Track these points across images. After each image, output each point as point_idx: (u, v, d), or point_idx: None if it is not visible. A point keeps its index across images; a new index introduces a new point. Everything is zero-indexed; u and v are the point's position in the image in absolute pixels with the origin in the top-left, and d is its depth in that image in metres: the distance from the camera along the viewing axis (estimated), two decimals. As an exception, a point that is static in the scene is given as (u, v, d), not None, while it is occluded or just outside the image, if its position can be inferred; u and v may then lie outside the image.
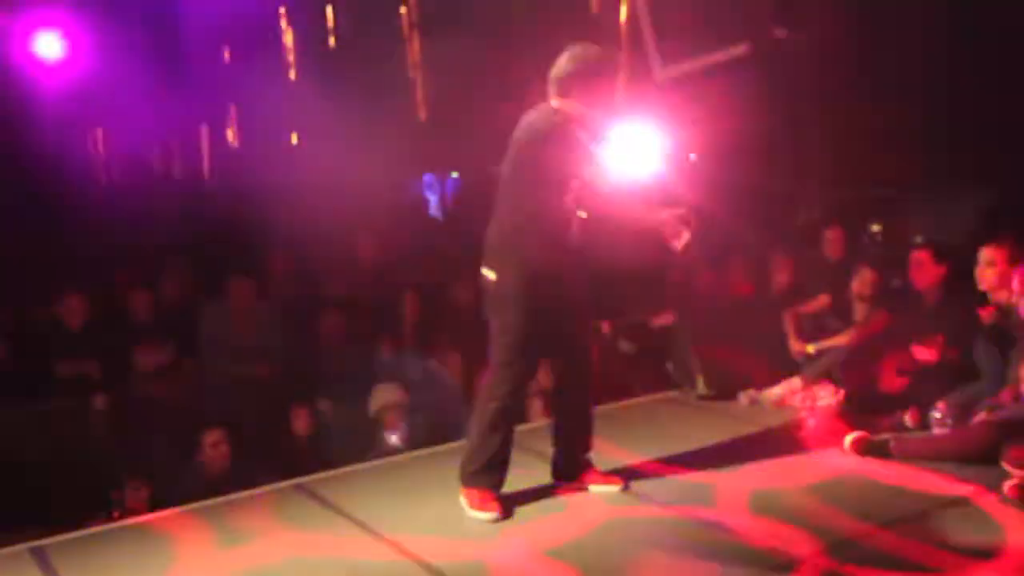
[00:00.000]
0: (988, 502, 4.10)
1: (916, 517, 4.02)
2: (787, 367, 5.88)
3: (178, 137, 10.89)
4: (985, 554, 3.66)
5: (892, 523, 3.94)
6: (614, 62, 4.16)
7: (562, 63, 4.05)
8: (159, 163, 10.85)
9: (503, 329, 4.08)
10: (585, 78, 4.00)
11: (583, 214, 4.07)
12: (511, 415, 4.16)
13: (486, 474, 4.15)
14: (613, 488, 4.34)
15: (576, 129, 3.97)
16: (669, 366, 6.24)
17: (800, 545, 3.79)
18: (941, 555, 3.65)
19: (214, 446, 5.36)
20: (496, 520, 4.05)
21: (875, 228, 6.43)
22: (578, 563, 3.71)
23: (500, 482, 4.18)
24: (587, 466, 4.40)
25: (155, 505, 5.04)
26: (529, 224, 4.03)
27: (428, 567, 3.81)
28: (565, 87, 4.02)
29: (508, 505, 4.13)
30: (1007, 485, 4.12)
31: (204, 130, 11.12)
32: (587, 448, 4.41)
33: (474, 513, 4.10)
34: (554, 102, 4.07)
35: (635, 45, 7.43)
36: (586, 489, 4.35)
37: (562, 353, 4.31)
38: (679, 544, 3.88)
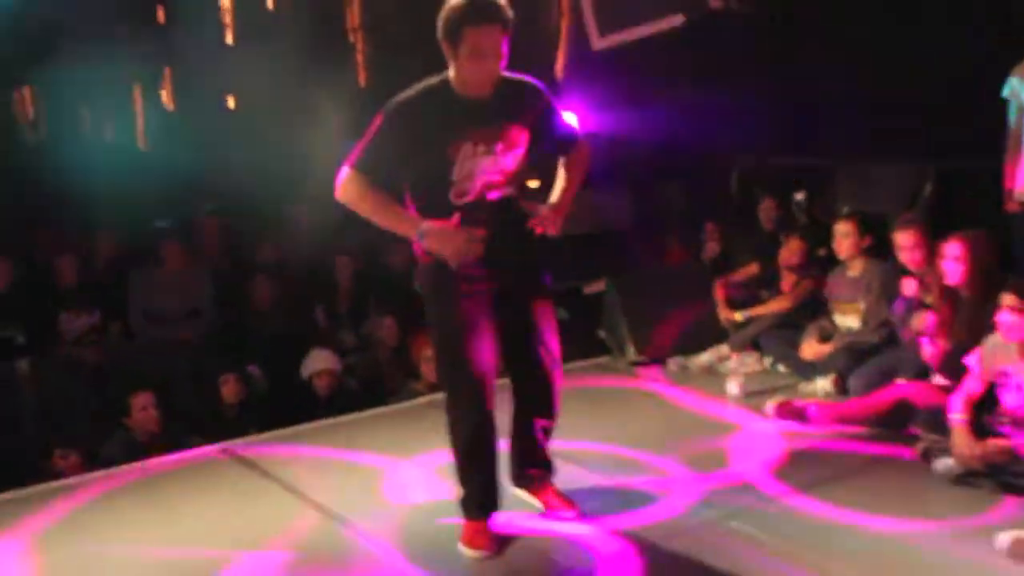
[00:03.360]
0: (899, 464, 4.21)
1: (832, 479, 4.11)
2: (716, 334, 5.96)
3: (112, 98, 10.65)
4: (896, 514, 3.76)
5: (809, 485, 4.03)
6: (480, 6, 3.21)
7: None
8: (91, 124, 10.61)
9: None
10: (446, 32, 3.25)
11: (534, 184, 3.76)
12: (474, 422, 3.50)
13: (473, 505, 3.58)
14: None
15: (426, 99, 3.31)
16: (601, 332, 6.29)
17: (717, 504, 3.87)
18: (855, 515, 3.74)
19: (143, 410, 5.27)
20: (483, 559, 3.49)
21: (799, 197, 6.51)
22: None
23: (490, 508, 3.59)
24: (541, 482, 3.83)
25: (84, 469, 4.99)
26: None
27: (354, 528, 3.82)
28: (442, 48, 3.32)
29: (500, 541, 3.58)
30: (918, 447, 4.23)
31: (138, 91, 10.89)
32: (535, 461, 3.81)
33: (463, 548, 3.54)
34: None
35: (575, 14, 7.43)
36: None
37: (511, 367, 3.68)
38: (605, 503, 3.91)
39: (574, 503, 3.78)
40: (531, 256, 3.59)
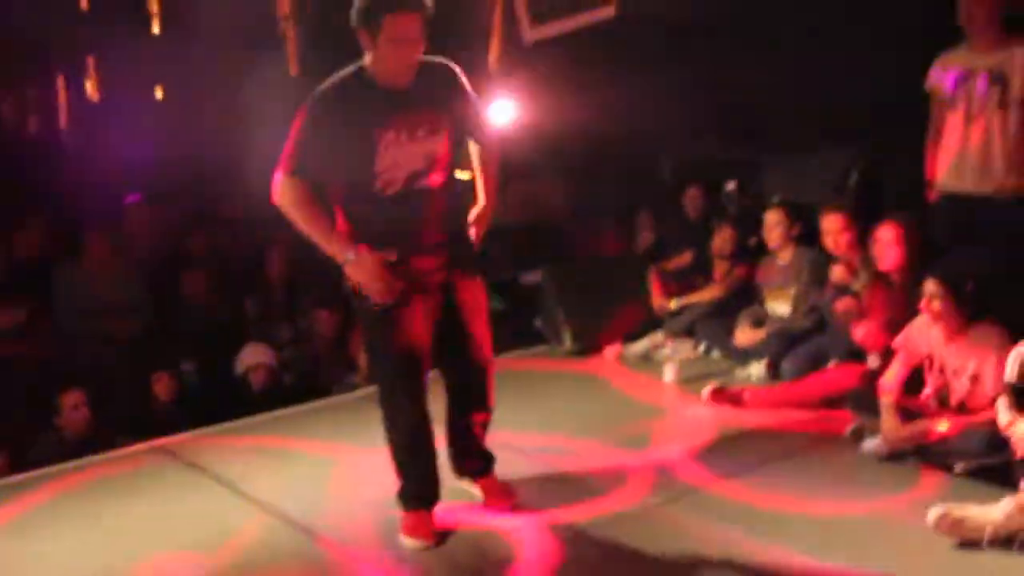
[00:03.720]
0: (831, 445, 4.31)
1: (766, 461, 4.19)
2: (650, 322, 6.02)
3: (33, 89, 10.37)
4: (827, 492, 3.84)
5: (745, 469, 4.10)
6: None
7: None
8: (12, 115, 10.31)
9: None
10: (362, 19, 3.19)
11: (465, 176, 3.58)
12: (407, 415, 3.51)
13: (412, 496, 3.58)
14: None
15: (344, 90, 3.26)
16: (538, 322, 6.31)
17: (654, 491, 3.92)
18: (788, 498, 3.81)
19: (74, 408, 5.15)
20: (424, 549, 3.50)
21: (730, 187, 6.60)
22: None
23: (430, 499, 3.61)
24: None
25: (12, 470, 4.86)
26: (332, 207, 3.40)
27: (295, 524, 3.80)
28: (356, 32, 3.25)
29: (440, 532, 3.59)
30: (848, 428, 4.34)
31: (61, 82, 10.61)
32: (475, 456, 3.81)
33: (404, 539, 3.54)
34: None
35: (506, 6, 7.41)
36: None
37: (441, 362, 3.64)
38: (542, 492, 3.94)
39: (513, 494, 3.80)
40: (463, 248, 3.54)
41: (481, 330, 3.59)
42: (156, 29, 10.48)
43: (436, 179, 3.38)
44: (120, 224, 7.04)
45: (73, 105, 10.45)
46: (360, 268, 3.27)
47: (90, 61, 10.60)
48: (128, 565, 3.56)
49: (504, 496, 3.78)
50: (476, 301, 3.57)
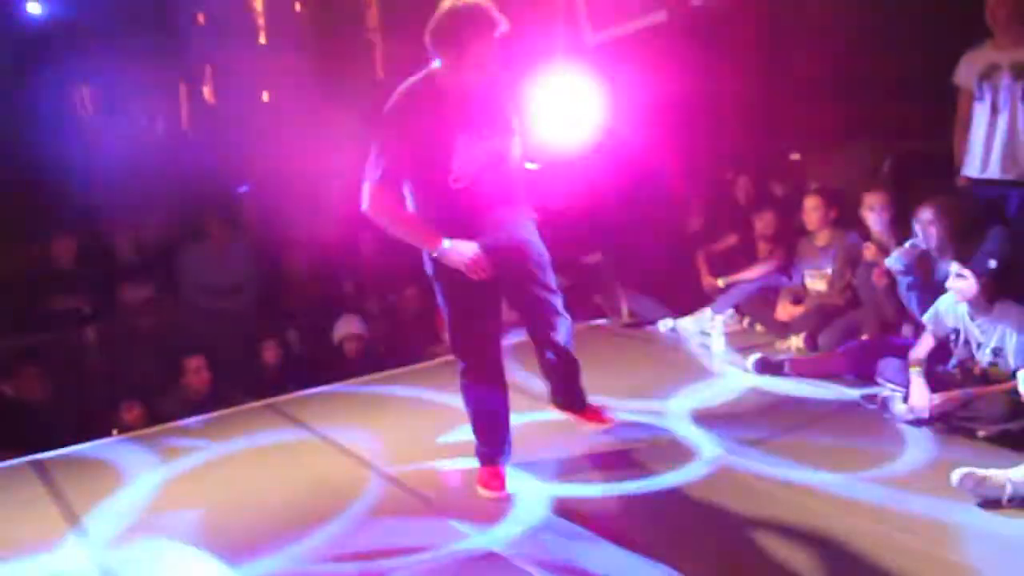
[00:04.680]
0: (863, 411, 4.24)
1: (806, 424, 4.15)
2: (700, 298, 5.96)
3: (160, 93, 10.62)
4: (860, 454, 3.79)
5: (788, 430, 4.07)
6: (472, 9, 3.15)
7: (431, 21, 3.24)
8: (142, 117, 10.58)
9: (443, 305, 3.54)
10: (441, 33, 3.18)
11: (533, 166, 3.60)
12: (484, 385, 3.55)
13: (487, 453, 3.62)
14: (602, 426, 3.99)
15: (420, 95, 3.23)
16: (598, 298, 6.29)
17: (708, 447, 3.90)
18: (823, 459, 3.77)
19: (196, 371, 5.32)
20: (496, 499, 3.51)
21: (795, 156, 6.46)
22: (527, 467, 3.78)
23: (503, 456, 3.63)
24: (581, 404, 3.96)
25: (146, 423, 5.03)
26: (411, 201, 3.38)
27: (383, 473, 3.87)
28: (432, 46, 3.23)
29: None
30: (879, 396, 4.26)
31: (183, 87, 10.85)
32: (570, 390, 3.91)
33: (480, 490, 3.57)
34: (434, 64, 3.30)
35: (569, 12, 7.36)
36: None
37: (520, 311, 3.68)
38: (613, 446, 3.97)
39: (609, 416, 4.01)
40: (522, 222, 3.52)
41: (549, 290, 3.58)
42: (263, 40, 10.67)
43: (504, 169, 3.38)
44: (235, 211, 7.20)
45: (193, 108, 10.70)
46: (457, 253, 3.27)
47: (207, 69, 10.83)
48: (246, 500, 3.68)
49: (601, 413, 4.00)
50: (541, 267, 3.55)
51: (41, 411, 5.16)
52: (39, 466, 4.19)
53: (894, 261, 4.56)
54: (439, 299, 3.52)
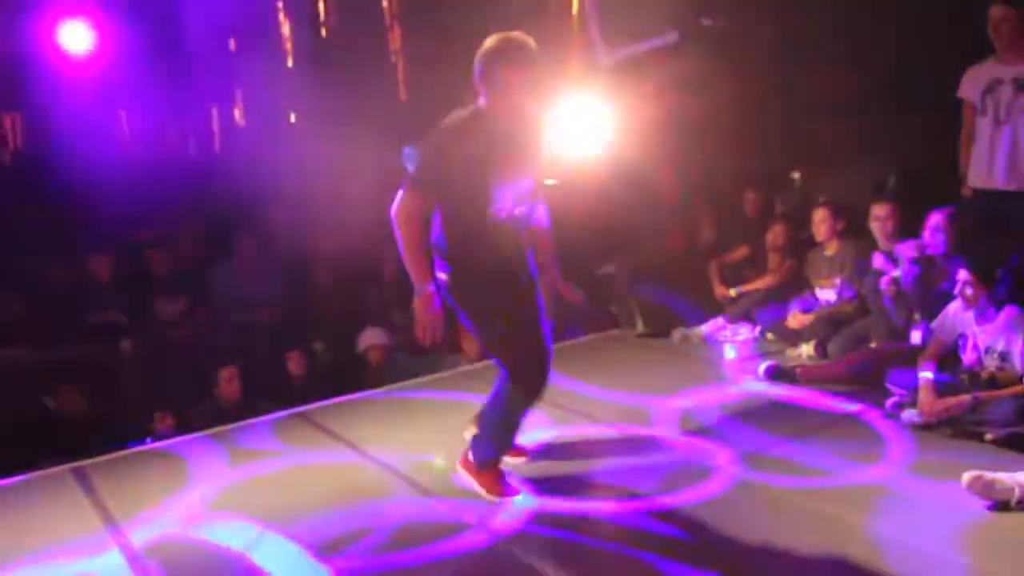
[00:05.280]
0: (872, 416, 4.20)
1: (815, 429, 4.11)
2: (712, 308, 5.94)
3: (192, 116, 10.74)
4: (870, 459, 3.76)
5: (796, 437, 4.03)
6: (517, 48, 3.17)
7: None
8: (176, 139, 10.71)
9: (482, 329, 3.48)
10: (486, 71, 3.20)
11: (552, 181, 3.58)
12: (533, 397, 3.49)
13: (496, 458, 3.61)
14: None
15: (468, 128, 3.23)
16: (613, 308, 6.28)
17: (718, 455, 3.87)
18: (833, 462, 3.74)
19: (228, 381, 5.34)
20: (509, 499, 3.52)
21: (796, 175, 6.45)
22: (532, 473, 3.77)
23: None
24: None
25: (179, 431, 5.06)
26: (445, 228, 3.35)
27: (405, 478, 3.87)
28: (477, 83, 3.27)
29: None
30: (889, 401, 4.22)
31: (215, 110, 10.97)
32: None
33: (488, 495, 3.55)
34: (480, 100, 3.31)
35: (584, 33, 7.37)
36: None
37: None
38: (618, 456, 3.94)
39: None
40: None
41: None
42: (290, 63, 10.76)
43: (529, 203, 3.39)
44: (263, 228, 7.25)
45: (224, 129, 10.80)
46: (428, 304, 3.25)
47: (238, 92, 10.94)
48: (275, 505, 3.68)
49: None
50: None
51: (80, 423, 5.19)
52: (79, 472, 4.22)
53: (906, 249, 4.53)
54: (484, 315, 3.41)
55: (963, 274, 3.96)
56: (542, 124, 3.41)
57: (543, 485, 3.65)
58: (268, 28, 10.35)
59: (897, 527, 3.17)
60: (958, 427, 3.88)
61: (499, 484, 3.56)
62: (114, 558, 3.37)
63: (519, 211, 3.36)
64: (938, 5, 5.22)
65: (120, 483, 4.07)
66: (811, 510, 3.34)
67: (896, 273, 4.74)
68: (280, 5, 10.62)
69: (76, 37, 8.74)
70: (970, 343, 4.05)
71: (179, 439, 4.72)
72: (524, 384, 3.43)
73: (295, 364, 5.78)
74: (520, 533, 3.30)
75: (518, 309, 3.38)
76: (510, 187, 3.28)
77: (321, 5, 10.50)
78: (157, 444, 4.71)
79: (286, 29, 10.69)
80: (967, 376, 4.05)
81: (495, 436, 3.59)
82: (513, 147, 3.26)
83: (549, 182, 3.63)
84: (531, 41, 3.20)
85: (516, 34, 3.20)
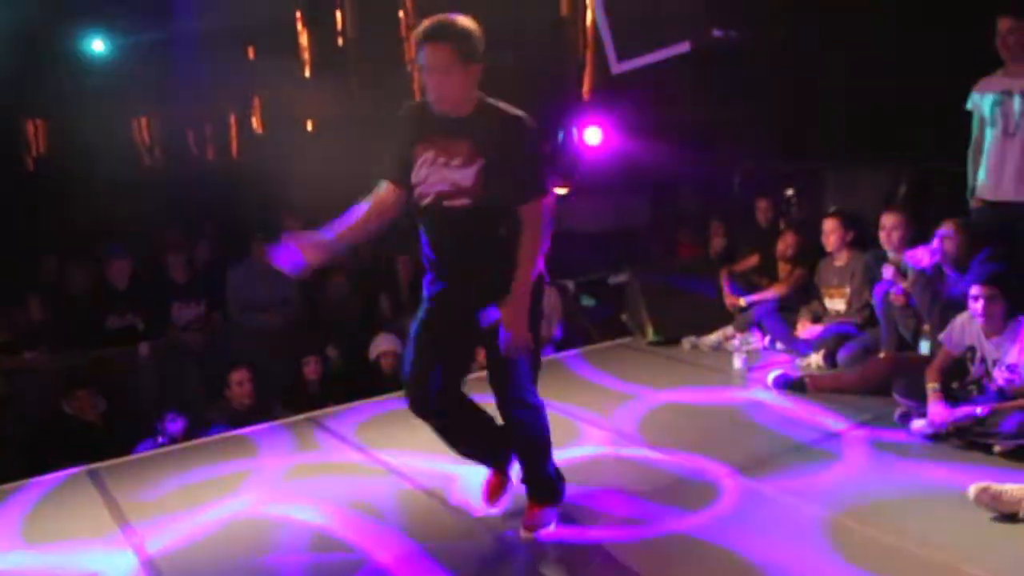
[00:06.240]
0: (880, 428, 4.17)
1: (822, 441, 4.08)
2: (722, 317, 5.92)
3: (210, 124, 10.83)
4: (880, 467, 3.74)
5: (802, 446, 4.01)
6: (429, 28, 2.97)
7: None
8: (194, 146, 10.80)
9: None
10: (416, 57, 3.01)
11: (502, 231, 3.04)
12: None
13: (559, 487, 3.39)
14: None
15: (409, 114, 3.12)
16: (624, 317, 6.27)
17: (720, 464, 3.84)
18: (842, 472, 3.73)
19: (239, 384, 5.36)
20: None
21: (789, 193, 6.43)
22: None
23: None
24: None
25: (192, 434, 5.10)
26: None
27: (415, 483, 3.88)
28: None
29: None
30: (897, 412, 4.20)
31: (233, 118, 11.06)
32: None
33: (548, 527, 3.31)
34: None
35: (597, 44, 7.39)
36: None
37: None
38: (625, 463, 3.94)
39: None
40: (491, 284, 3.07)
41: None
42: (307, 73, 10.82)
43: (464, 202, 3.02)
44: (279, 234, 7.27)
45: (242, 137, 10.88)
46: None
47: (256, 100, 11.02)
48: (286, 512, 3.71)
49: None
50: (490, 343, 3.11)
51: (95, 427, 5.24)
52: (94, 474, 4.25)
53: (920, 256, 4.49)
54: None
55: (975, 288, 3.93)
56: (500, 131, 3.01)
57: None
58: (287, 38, 10.41)
59: (903, 537, 3.14)
60: (966, 439, 3.85)
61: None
62: (127, 560, 3.40)
63: (450, 205, 3.02)
64: (948, 16, 5.20)
65: (134, 484, 4.10)
66: (818, 520, 3.31)
67: (904, 284, 4.72)
68: (298, 14, 10.69)
69: (97, 45, 8.87)
70: (979, 355, 4.02)
71: (192, 441, 4.76)
72: (538, 400, 3.23)
73: (311, 369, 5.80)
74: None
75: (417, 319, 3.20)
76: (432, 177, 3.03)
77: (338, 14, 10.57)
78: (171, 446, 4.75)
79: (304, 38, 10.76)
80: (976, 388, 4.02)
81: (545, 459, 3.34)
82: (441, 133, 3.02)
83: (560, 191, 3.58)
84: (454, 22, 2.96)
85: (446, 16, 2.98)
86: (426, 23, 2.97)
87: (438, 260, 3.13)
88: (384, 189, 3.17)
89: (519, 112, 3.06)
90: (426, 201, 3.06)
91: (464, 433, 3.37)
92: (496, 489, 3.52)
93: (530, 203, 3.02)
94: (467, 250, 3.08)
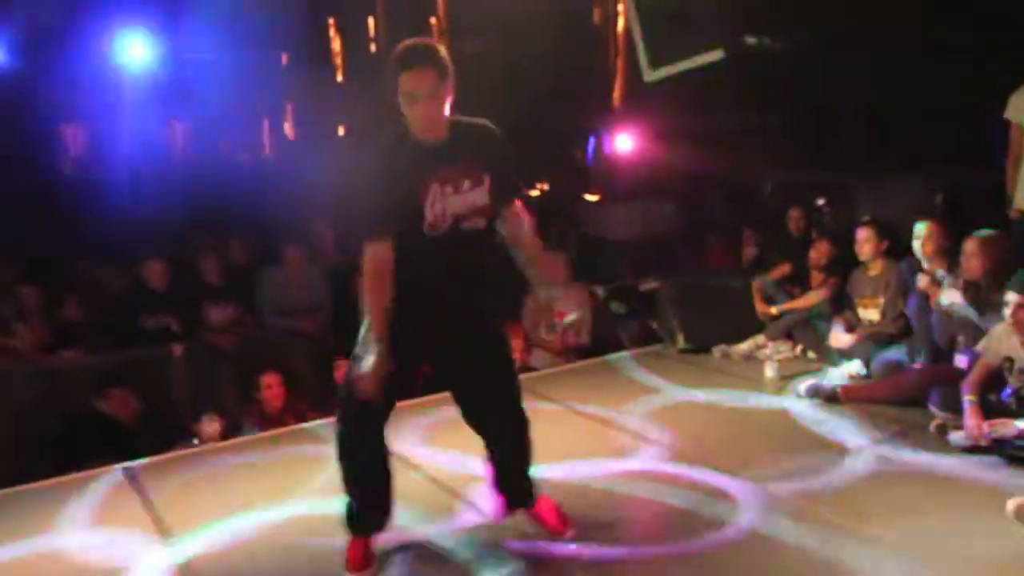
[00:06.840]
0: (915, 438, 4.11)
1: (857, 452, 4.03)
2: (754, 326, 5.87)
3: (244, 129, 10.95)
4: (917, 480, 3.69)
5: (833, 459, 3.96)
6: (409, 53, 2.82)
7: None
8: (228, 150, 10.91)
9: None
10: (391, 88, 2.84)
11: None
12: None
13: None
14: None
15: (392, 152, 2.91)
16: (654, 324, 6.24)
17: (750, 475, 3.81)
18: (877, 486, 3.67)
19: (270, 387, 5.39)
20: None
21: (821, 202, 6.36)
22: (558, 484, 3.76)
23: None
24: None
25: (225, 434, 5.14)
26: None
27: (441, 484, 3.91)
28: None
29: None
30: (933, 424, 4.14)
31: (266, 122, 11.17)
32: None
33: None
34: None
35: (630, 51, 7.38)
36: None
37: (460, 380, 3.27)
38: (653, 473, 3.91)
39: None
40: (482, 294, 3.10)
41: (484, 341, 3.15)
42: (340, 78, 10.91)
43: (479, 221, 2.98)
44: (310, 238, 7.33)
45: (275, 142, 10.99)
46: (373, 359, 2.89)
47: (288, 106, 11.13)
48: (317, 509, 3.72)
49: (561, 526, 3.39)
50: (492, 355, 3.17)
51: (130, 426, 5.30)
52: (129, 472, 4.30)
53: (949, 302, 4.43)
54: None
55: (1012, 297, 3.87)
56: (481, 141, 2.98)
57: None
58: (320, 44, 10.51)
59: (944, 552, 3.10)
60: (1004, 451, 3.78)
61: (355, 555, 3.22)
62: (159, 556, 3.43)
63: (467, 226, 2.96)
64: (985, 25, 5.14)
65: (168, 482, 4.14)
66: (856, 531, 3.27)
67: (940, 295, 4.65)
68: (331, 21, 10.79)
69: (133, 51, 8.99)
70: (1016, 366, 3.95)
71: (225, 442, 4.80)
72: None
73: (341, 372, 5.79)
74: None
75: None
76: (448, 206, 2.91)
77: (371, 21, 10.65)
78: (205, 446, 4.79)
79: (337, 44, 10.86)
80: (1014, 400, 3.95)
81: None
82: (441, 162, 2.89)
83: (590, 198, 3.56)
84: (432, 45, 2.88)
85: (416, 39, 2.89)
86: (401, 49, 2.82)
87: (431, 284, 2.98)
88: (385, 249, 2.91)
89: (482, 119, 3.02)
90: (443, 229, 2.92)
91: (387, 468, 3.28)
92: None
93: (515, 201, 3.07)
94: (478, 266, 3.06)
